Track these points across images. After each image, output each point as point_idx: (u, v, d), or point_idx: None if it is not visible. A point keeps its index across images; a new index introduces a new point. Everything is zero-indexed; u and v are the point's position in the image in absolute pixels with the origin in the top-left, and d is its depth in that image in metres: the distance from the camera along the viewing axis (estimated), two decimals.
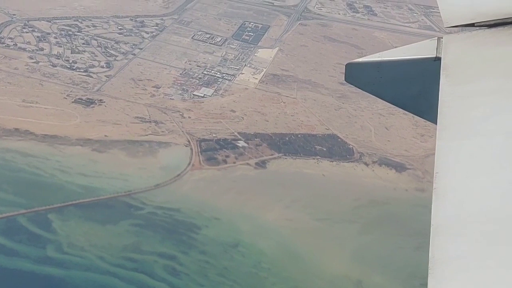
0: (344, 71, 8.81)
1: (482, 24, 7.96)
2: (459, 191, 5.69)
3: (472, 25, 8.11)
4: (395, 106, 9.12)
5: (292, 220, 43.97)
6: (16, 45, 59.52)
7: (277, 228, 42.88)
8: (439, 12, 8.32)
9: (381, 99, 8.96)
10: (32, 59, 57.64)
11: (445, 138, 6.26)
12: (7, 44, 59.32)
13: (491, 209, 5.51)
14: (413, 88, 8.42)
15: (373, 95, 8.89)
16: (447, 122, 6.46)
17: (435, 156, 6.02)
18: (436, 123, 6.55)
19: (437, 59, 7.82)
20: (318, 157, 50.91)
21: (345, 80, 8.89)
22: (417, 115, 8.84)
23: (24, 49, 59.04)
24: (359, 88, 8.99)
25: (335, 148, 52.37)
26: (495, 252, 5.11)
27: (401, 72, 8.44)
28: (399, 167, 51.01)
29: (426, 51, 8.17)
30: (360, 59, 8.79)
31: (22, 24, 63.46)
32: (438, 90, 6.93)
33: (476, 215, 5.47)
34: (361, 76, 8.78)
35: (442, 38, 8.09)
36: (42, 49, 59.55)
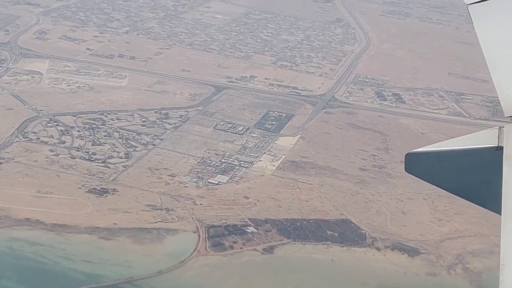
0: (404, 161, 8.70)
1: None
2: None
3: None
4: (456, 196, 8.73)
5: None
6: (39, 139, 61.18)
7: None
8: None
9: (442, 189, 8.70)
10: (53, 152, 59.06)
11: (510, 229, 6.13)
12: (30, 138, 61.02)
13: None
14: (475, 178, 8.21)
15: (434, 185, 8.70)
16: (511, 212, 6.37)
17: (500, 248, 5.92)
18: (500, 214, 6.45)
19: (499, 149, 7.74)
20: (329, 242, 50.11)
21: (405, 170, 8.74)
22: (480, 206, 8.48)
23: (46, 143, 60.60)
24: (420, 178, 8.81)
25: (347, 233, 51.53)
26: None
27: (462, 162, 8.25)
28: (412, 252, 49.73)
29: (487, 141, 8.04)
30: (420, 149, 8.60)
31: (48, 119, 65.50)
32: (501, 180, 6.87)
33: None
34: (421, 166, 8.64)
35: (503, 127, 8.07)
36: (63, 142, 61.07)
